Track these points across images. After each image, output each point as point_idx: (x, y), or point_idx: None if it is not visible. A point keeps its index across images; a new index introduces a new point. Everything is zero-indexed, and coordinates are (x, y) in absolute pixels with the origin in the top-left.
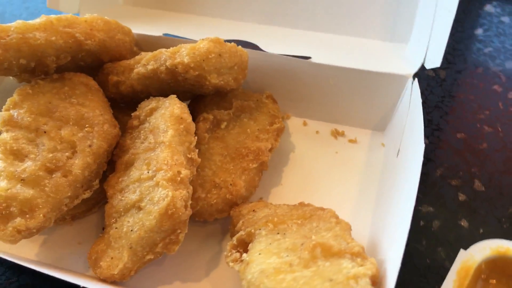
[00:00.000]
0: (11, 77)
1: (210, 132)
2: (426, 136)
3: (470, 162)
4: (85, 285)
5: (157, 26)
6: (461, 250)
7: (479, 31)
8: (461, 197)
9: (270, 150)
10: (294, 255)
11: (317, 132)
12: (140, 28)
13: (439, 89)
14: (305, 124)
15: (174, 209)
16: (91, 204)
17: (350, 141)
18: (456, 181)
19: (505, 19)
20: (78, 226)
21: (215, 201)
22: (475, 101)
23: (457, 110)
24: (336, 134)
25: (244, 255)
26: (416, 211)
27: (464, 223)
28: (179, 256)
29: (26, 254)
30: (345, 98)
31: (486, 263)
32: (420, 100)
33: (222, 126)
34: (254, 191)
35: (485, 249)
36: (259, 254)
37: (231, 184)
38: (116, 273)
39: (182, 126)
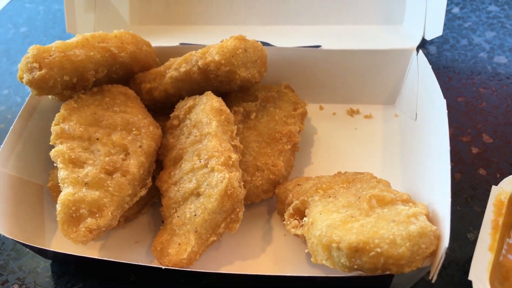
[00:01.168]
0: (49, 97)
1: (242, 123)
2: None
3: (475, 120)
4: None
5: (168, 39)
6: (493, 186)
7: (456, 10)
8: (474, 150)
9: (298, 132)
10: (352, 209)
11: (334, 113)
12: (153, 43)
13: (433, 63)
14: (321, 108)
15: (232, 189)
16: (141, 205)
17: (366, 117)
18: (467, 137)
19: None
20: (132, 228)
21: (260, 182)
22: (467, 68)
23: (453, 78)
24: (352, 112)
25: (304, 219)
26: None
27: (482, 171)
28: (234, 239)
29: None
30: (356, 78)
31: None
32: (429, 66)
33: (252, 117)
34: (291, 170)
35: None
36: (320, 214)
37: (272, 165)
38: (185, 257)
39: (223, 117)
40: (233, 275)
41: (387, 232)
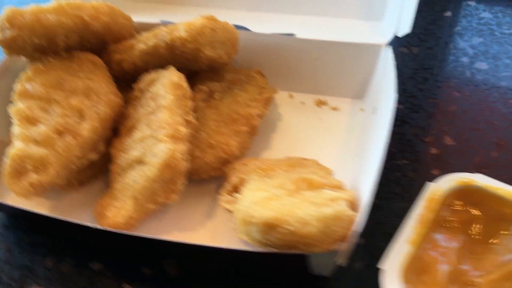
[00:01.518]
0: (23, 59)
1: (204, 101)
2: (402, 102)
3: (441, 121)
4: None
5: (154, 16)
6: (428, 182)
7: (448, 13)
8: (433, 151)
9: (260, 116)
10: (281, 189)
11: (302, 103)
12: (139, 19)
13: (413, 63)
14: (291, 96)
15: (174, 161)
16: (96, 171)
17: (333, 108)
18: (429, 138)
19: (472, 3)
20: (85, 192)
21: (210, 159)
22: (445, 71)
23: (429, 79)
24: (320, 103)
25: (237, 195)
26: (391, 164)
27: (435, 172)
28: (177, 211)
29: None
30: (327, 70)
31: (452, 192)
32: (393, 62)
33: (216, 97)
34: (246, 152)
35: (450, 181)
36: (250, 191)
37: (224, 144)
38: (121, 221)
39: (180, 92)
40: (157, 241)
41: (302, 212)
